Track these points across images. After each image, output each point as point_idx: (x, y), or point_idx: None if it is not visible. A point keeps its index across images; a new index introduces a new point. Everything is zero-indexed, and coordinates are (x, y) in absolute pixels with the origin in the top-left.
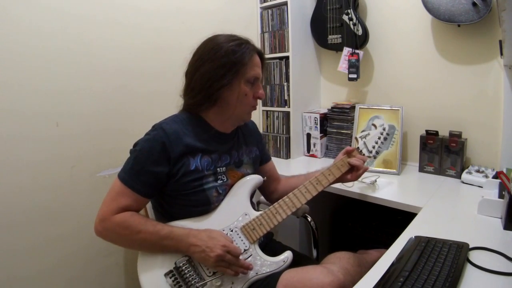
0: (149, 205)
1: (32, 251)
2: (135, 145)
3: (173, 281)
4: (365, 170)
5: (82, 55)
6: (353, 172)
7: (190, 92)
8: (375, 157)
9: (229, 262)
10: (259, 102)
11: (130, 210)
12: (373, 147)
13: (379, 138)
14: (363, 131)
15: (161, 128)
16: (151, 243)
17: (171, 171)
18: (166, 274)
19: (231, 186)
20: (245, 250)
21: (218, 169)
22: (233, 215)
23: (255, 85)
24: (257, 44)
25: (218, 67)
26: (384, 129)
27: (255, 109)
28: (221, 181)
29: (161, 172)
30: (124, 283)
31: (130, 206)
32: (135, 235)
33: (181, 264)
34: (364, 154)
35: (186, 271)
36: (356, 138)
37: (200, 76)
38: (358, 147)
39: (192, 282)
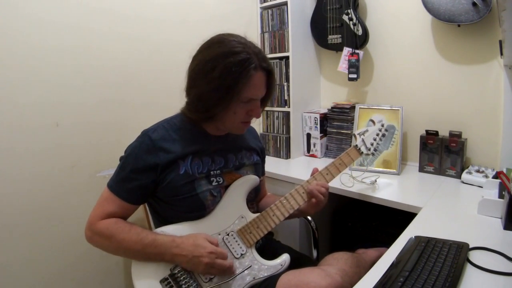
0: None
1: (32, 251)
2: (125, 151)
3: None
4: (322, 197)
5: (83, 55)
6: (312, 201)
7: (188, 105)
8: (373, 154)
9: (219, 268)
10: None
11: (115, 216)
12: (372, 144)
13: (377, 134)
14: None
15: (147, 135)
16: (135, 252)
17: (158, 178)
18: (161, 281)
19: (227, 187)
20: (242, 254)
21: (211, 172)
22: (229, 218)
23: (250, 103)
24: (258, 44)
25: (213, 91)
26: (382, 125)
27: (247, 125)
28: (216, 183)
29: (146, 179)
30: (124, 284)
31: (115, 213)
32: (118, 243)
33: (176, 271)
34: (362, 153)
35: (182, 278)
36: (354, 135)
37: (197, 97)
38: (356, 145)
39: None
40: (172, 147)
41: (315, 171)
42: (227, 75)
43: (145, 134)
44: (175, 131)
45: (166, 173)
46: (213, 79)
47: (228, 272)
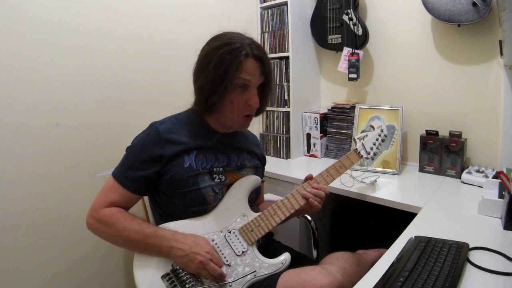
0: (148, 206)
1: (32, 252)
2: (132, 141)
3: (170, 283)
4: (316, 202)
5: (83, 56)
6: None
7: (195, 100)
8: (373, 159)
9: (211, 271)
10: None
11: (118, 205)
12: (371, 149)
13: (377, 139)
14: (362, 131)
15: (155, 127)
16: (134, 241)
17: (162, 169)
18: (163, 277)
19: (229, 186)
20: (243, 252)
21: (214, 168)
22: (231, 216)
23: (246, 91)
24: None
25: (210, 82)
26: (382, 131)
27: (249, 117)
28: (218, 180)
29: (150, 170)
30: (124, 284)
31: (117, 202)
32: (119, 231)
33: (178, 267)
34: (362, 156)
35: (183, 273)
36: (354, 140)
37: (199, 89)
38: (356, 149)
39: (190, 285)
40: (178, 140)
41: (309, 177)
42: (221, 64)
43: (153, 125)
44: (181, 125)
45: (170, 165)
46: (209, 71)
47: (218, 280)
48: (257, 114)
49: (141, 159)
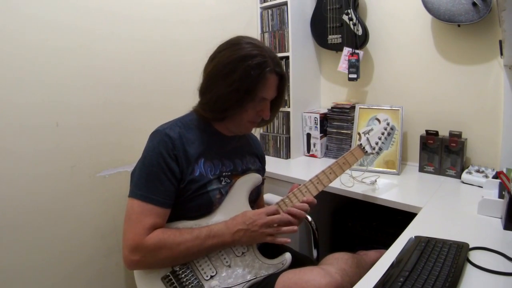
0: None
1: (32, 251)
2: (143, 156)
3: (170, 285)
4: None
5: (83, 56)
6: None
7: (204, 105)
8: (378, 153)
9: (275, 221)
10: None
11: (157, 227)
12: (376, 143)
13: (382, 133)
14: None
15: (165, 134)
16: (195, 250)
17: (180, 176)
18: (163, 278)
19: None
20: (243, 253)
21: (223, 173)
22: (232, 216)
23: (261, 103)
24: None
25: (232, 93)
26: (388, 124)
27: (253, 125)
28: (225, 183)
29: (174, 172)
30: (124, 284)
31: (156, 224)
32: (176, 249)
33: (177, 268)
34: (366, 152)
35: (183, 275)
36: (359, 134)
37: (215, 98)
38: (361, 144)
39: (189, 286)
40: (186, 146)
41: (294, 187)
42: (246, 78)
43: (162, 132)
44: (188, 130)
45: (185, 172)
46: (233, 81)
47: (288, 224)
48: (262, 125)
49: (162, 167)
